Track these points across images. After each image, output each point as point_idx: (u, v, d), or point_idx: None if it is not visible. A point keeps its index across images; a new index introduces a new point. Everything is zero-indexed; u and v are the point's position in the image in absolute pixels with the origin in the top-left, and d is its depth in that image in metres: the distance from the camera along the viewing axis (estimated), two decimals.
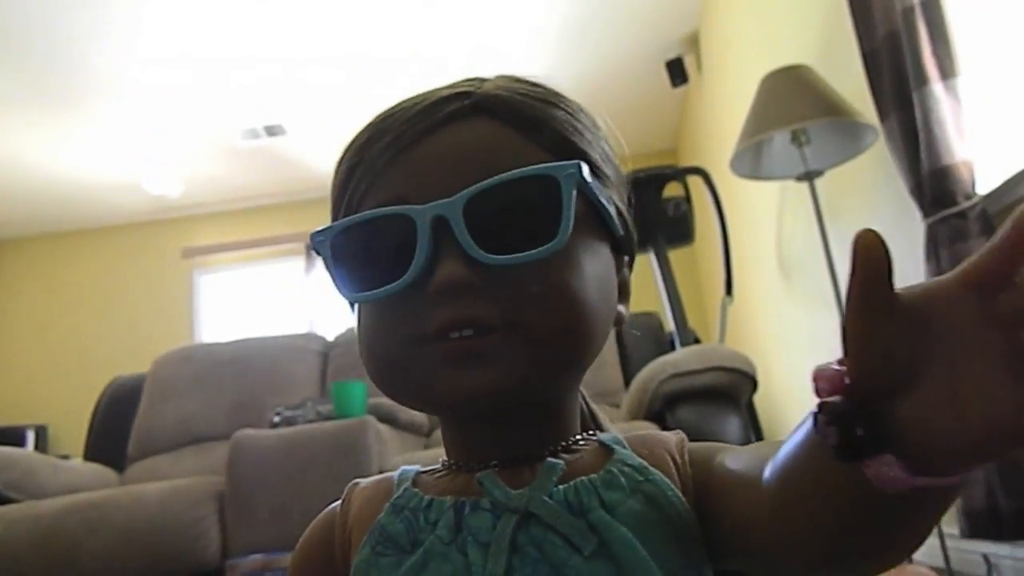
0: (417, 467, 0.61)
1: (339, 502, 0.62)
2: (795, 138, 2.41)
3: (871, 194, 2.42)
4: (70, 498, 2.41)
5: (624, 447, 0.56)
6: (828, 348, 2.74)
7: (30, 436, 5.43)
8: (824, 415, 0.36)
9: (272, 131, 5.29)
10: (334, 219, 0.61)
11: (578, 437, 0.58)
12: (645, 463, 0.54)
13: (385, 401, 2.90)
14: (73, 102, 4.69)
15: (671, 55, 4.67)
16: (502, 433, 0.56)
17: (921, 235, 1.84)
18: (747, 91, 2.60)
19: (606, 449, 0.56)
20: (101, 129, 5.01)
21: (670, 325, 3.38)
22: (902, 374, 0.34)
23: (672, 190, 3.55)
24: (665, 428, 2.26)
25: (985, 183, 1.77)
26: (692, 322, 3.50)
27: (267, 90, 4.83)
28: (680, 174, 3.66)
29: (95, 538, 2.25)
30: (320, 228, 0.57)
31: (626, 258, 0.64)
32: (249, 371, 3.39)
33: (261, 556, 2.18)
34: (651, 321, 3.23)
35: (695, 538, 0.51)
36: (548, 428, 0.58)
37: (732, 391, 2.33)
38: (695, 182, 3.60)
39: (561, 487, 0.52)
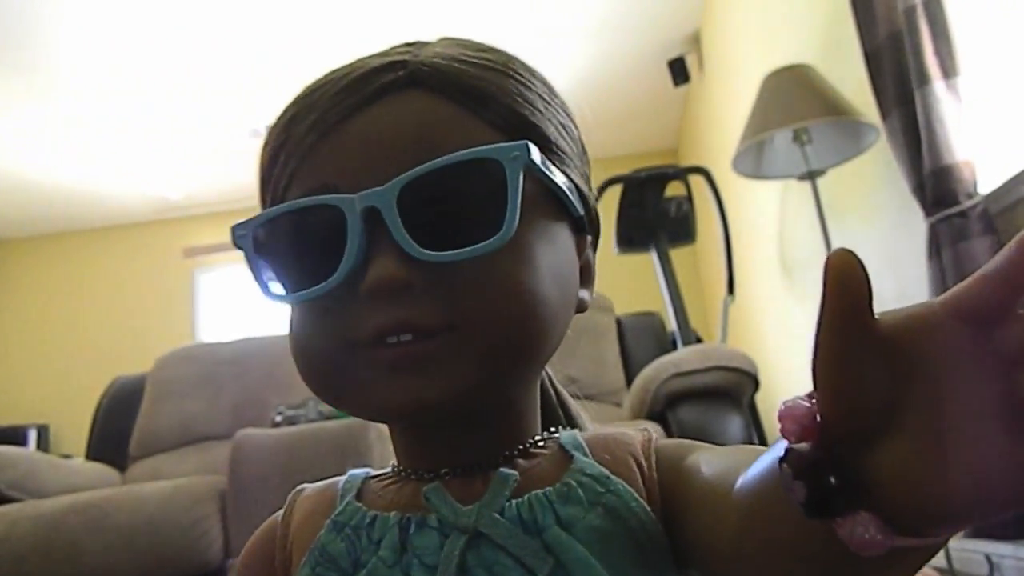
0: (366, 471, 0.56)
1: (281, 512, 0.57)
2: (797, 137, 2.41)
3: (873, 193, 2.42)
4: (72, 497, 2.41)
5: (584, 453, 0.51)
6: None
7: (32, 435, 5.44)
8: (790, 466, 0.30)
9: None
10: (263, 207, 0.55)
11: (537, 438, 0.53)
12: (606, 471, 0.49)
13: None
14: (73, 102, 4.69)
15: (673, 54, 4.66)
16: (453, 439, 0.51)
17: (923, 234, 1.84)
18: (749, 90, 2.60)
19: (564, 454, 0.51)
20: (102, 129, 5.01)
21: (672, 324, 3.38)
22: (880, 416, 0.29)
23: (674, 189, 3.55)
24: (667, 428, 2.28)
25: (987, 182, 1.77)
26: (694, 322, 3.50)
27: (269, 89, 4.83)
28: (682, 173, 3.65)
29: (97, 537, 2.25)
30: (240, 221, 0.51)
31: (589, 238, 0.57)
32: (250, 370, 3.39)
33: None
34: (653, 321, 3.23)
35: (661, 550, 0.47)
36: (503, 431, 0.52)
37: (734, 391, 2.32)
38: (697, 181, 3.60)
39: (514, 502, 0.47)
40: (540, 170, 0.48)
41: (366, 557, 0.48)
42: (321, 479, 0.59)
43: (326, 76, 0.53)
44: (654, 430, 0.55)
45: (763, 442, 2.43)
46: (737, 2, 3.82)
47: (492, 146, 0.47)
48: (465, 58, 0.52)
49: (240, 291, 6.33)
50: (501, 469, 0.49)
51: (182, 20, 4.09)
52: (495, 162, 0.46)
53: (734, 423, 2.27)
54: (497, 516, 0.47)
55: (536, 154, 0.47)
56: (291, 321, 0.53)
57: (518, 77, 0.53)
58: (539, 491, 0.48)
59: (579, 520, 0.46)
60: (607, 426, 0.57)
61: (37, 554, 2.24)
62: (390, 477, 0.55)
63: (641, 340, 3.09)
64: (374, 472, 0.56)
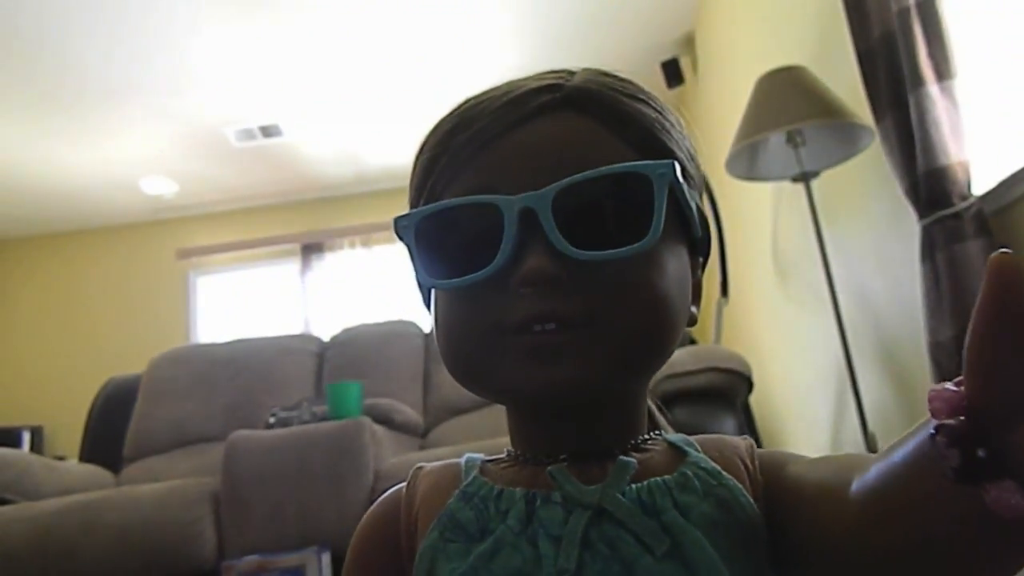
0: (482, 456, 0.60)
1: (403, 485, 0.61)
2: (791, 139, 2.42)
3: (866, 195, 2.42)
4: (66, 499, 2.40)
5: (696, 450, 0.56)
6: (823, 348, 2.75)
7: (26, 437, 5.43)
8: (944, 437, 0.35)
9: (268, 132, 5.29)
10: (413, 206, 0.60)
11: (646, 437, 0.58)
12: (718, 467, 0.54)
13: (380, 402, 2.90)
14: (68, 102, 4.68)
15: (666, 56, 4.67)
16: (574, 428, 0.56)
17: (916, 236, 1.85)
18: (743, 92, 2.60)
19: (677, 451, 0.56)
20: (97, 129, 5.00)
21: None
22: (1021, 401, 0.33)
23: None
24: None
25: (980, 184, 1.78)
26: None
27: (263, 91, 4.83)
28: None
29: (91, 539, 2.25)
30: (404, 213, 0.57)
31: (700, 259, 0.63)
32: (245, 372, 3.39)
33: (257, 557, 2.18)
34: None
35: (762, 545, 0.51)
36: (619, 425, 0.57)
37: (727, 392, 2.33)
38: None
39: (634, 486, 0.52)
40: (680, 188, 0.54)
41: (493, 525, 0.52)
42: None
43: (484, 94, 0.58)
44: None
45: (756, 442, 2.43)
46: (731, 4, 3.83)
47: (644, 162, 0.53)
48: (612, 86, 0.58)
49: (235, 292, 6.33)
50: (621, 456, 0.54)
51: (182, 21, 4.08)
52: (644, 176, 0.52)
53: (728, 424, 2.27)
54: (619, 496, 0.51)
55: (680, 173, 0.53)
56: (438, 308, 0.57)
57: (656, 107, 0.59)
58: (658, 478, 0.52)
59: (694, 507, 0.51)
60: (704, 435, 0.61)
61: (31, 556, 2.23)
62: (507, 461, 0.58)
63: None
64: (488, 456, 0.60)
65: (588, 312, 0.51)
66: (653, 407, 0.64)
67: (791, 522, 0.50)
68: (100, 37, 4.14)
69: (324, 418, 2.67)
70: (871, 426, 2.28)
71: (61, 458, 3.99)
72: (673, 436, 0.58)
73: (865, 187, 2.42)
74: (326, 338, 3.66)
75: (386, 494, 0.61)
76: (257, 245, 6.23)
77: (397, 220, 0.56)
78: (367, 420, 2.49)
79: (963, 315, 1.70)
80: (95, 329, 6.09)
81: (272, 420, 2.75)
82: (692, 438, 0.58)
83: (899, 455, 0.41)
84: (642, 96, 0.59)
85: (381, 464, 2.35)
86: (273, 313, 6.11)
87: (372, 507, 0.61)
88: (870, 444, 2.24)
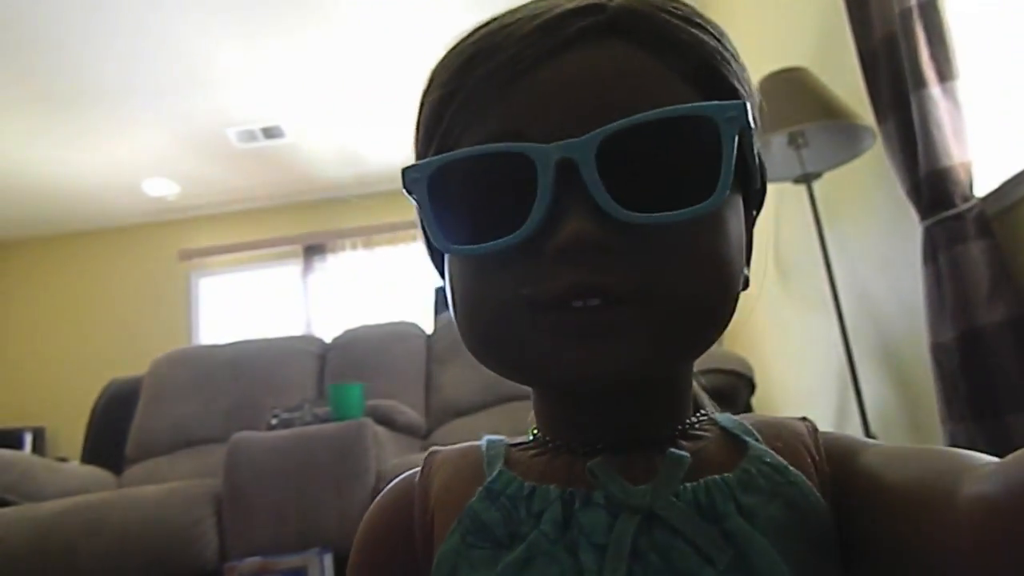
0: (505, 439, 0.52)
1: (415, 472, 0.53)
2: (792, 140, 2.41)
3: (868, 196, 2.42)
4: (68, 501, 2.40)
5: (757, 439, 0.48)
6: (825, 349, 2.75)
7: (27, 439, 5.42)
8: None
9: (270, 133, 5.29)
10: (419, 158, 0.50)
11: (694, 420, 0.50)
12: (784, 461, 0.46)
13: (382, 403, 2.90)
14: (70, 104, 4.68)
15: None
16: (616, 414, 0.48)
17: (918, 237, 1.84)
18: None
19: (733, 440, 0.48)
20: (98, 131, 5.01)
21: None
22: None
23: None
24: None
25: (982, 185, 1.77)
26: None
27: (265, 92, 4.83)
28: None
29: (93, 541, 2.25)
30: (414, 163, 0.47)
31: (754, 212, 0.54)
32: (246, 373, 3.39)
33: (259, 558, 2.18)
34: None
35: (834, 547, 0.44)
36: (665, 408, 0.49)
37: (729, 393, 2.32)
38: None
39: (689, 485, 0.44)
40: (750, 135, 0.46)
41: (525, 529, 0.45)
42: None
43: (509, 15, 0.48)
44: None
45: None
46: (732, 5, 3.83)
47: (710, 103, 0.44)
48: (664, 7, 0.48)
49: (236, 294, 6.33)
50: (671, 450, 0.46)
51: (184, 23, 4.08)
52: (709, 121, 0.43)
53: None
54: (673, 499, 0.44)
55: (751, 116, 0.45)
56: (456, 277, 0.48)
57: (714, 32, 0.49)
58: (718, 477, 0.45)
59: (760, 511, 0.43)
60: (759, 414, 0.54)
61: (33, 558, 2.23)
62: (535, 447, 0.51)
63: None
64: (510, 440, 0.52)
65: (639, 285, 0.43)
66: (695, 383, 0.56)
67: (866, 522, 0.43)
68: (102, 39, 4.14)
69: (326, 419, 2.67)
70: (873, 427, 2.28)
71: (63, 459, 3.99)
72: (724, 419, 0.51)
73: (867, 188, 2.42)
74: (328, 339, 3.66)
75: (395, 482, 0.54)
76: (259, 246, 6.23)
77: (405, 171, 0.47)
78: (369, 421, 2.49)
79: (965, 316, 1.70)
80: (97, 330, 6.09)
81: (274, 421, 2.75)
82: (748, 421, 0.51)
83: None
84: (699, 20, 0.49)
85: (383, 465, 2.35)
86: (275, 314, 6.11)
87: (380, 497, 0.54)
88: None
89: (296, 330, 5.72)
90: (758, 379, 2.39)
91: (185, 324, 6.19)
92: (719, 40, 0.49)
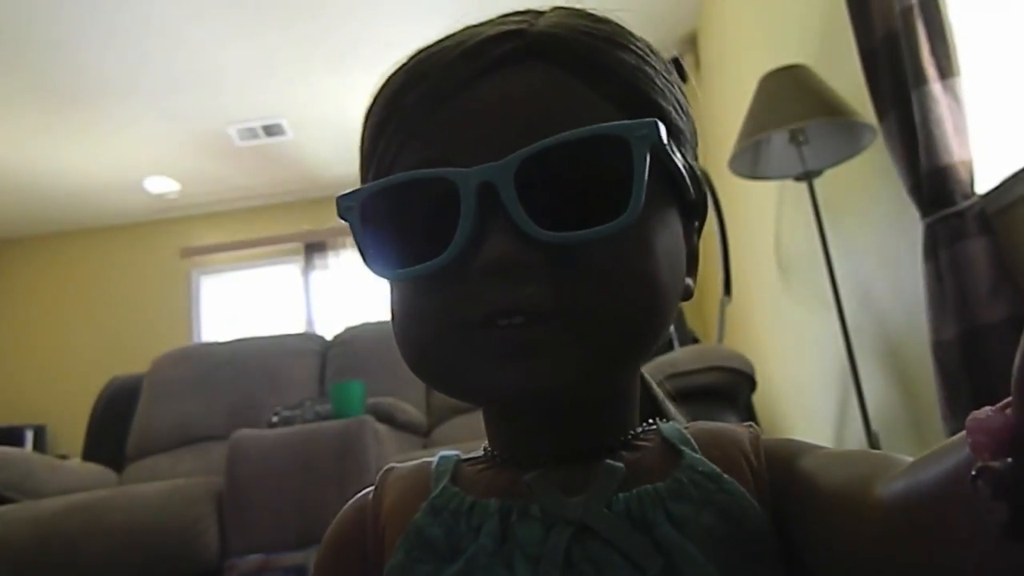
0: (457, 453, 0.54)
1: (371, 490, 0.55)
2: (793, 138, 2.41)
3: (869, 194, 2.42)
4: (69, 498, 2.41)
5: (693, 448, 0.49)
6: (826, 347, 2.75)
7: (29, 436, 5.43)
8: (988, 485, 0.28)
9: (271, 131, 5.28)
10: (364, 182, 0.53)
11: (638, 430, 0.51)
12: (718, 469, 0.47)
13: (383, 401, 2.90)
14: (71, 102, 4.68)
15: (669, 55, 4.65)
16: (554, 426, 0.49)
17: (919, 235, 1.84)
18: (746, 91, 2.60)
19: (670, 448, 0.49)
20: (100, 129, 5.00)
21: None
22: None
23: None
24: None
25: (984, 183, 1.77)
26: (691, 322, 3.50)
27: (266, 90, 4.83)
28: None
29: (94, 538, 2.25)
30: (348, 191, 0.49)
31: (696, 223, 0.55)
32: (247, 371, 3.39)
33: (259, 556, 2.18)
34: None
35: (772, 553, 0.45)
36: (606, 420, 0.50)
37: (731, 391, 2.33)
38: None
39: (622, 496, 0.45)
40: (665, 151, 0.47)
41: (465, 543, 0.46)
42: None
43: (435, 44, 0.51)
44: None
45: None
46: (734, 3, 3.83)
47: (620, 123, 0.45)
48: (586, 29, 0.50)
49: (238, 291, 6.34)
50: (607, 461, 0.47)
51: (185, 20, 4.08)
52: (621, 140, 0.44)
53: (731, 423, 2.27)
54: (605, 510, 0.45)
55: (663, 134, 0.46)
56: (394, 300, 0.51)
57: (638, 50, 0.51)
58: (649, 486, 0.46)
59: (691, 519, 0.44)
60: (705, 422, 0.55)
61: (34, 555, 2.24)
62: (483, 462, 0.52)
63: None
64: (464, 455, 0.54)
65: (561, 302, 0.44)
66: (659, 392, 0.58)
67: (802, 524, 0.45)
68: (103, 36, 4.14)
69: (327, 417, 2.68)
70: (874, 425, 2.28)
71: (64, 457, 3.99)
72: (667, 429, 0.51)
73: (868, 186, 2.42)
74: (329, 337, 3.67)
75: (353, 500, 0.56)
76: (260, 244, 6.23)
77: (339, 200, 0.49)
78: (370, 419, 2.49)
79: (966, 314, 1.70)
80: (98, 328, 6.09)
81: (275, 419, 2.76)
82: (690, 430, 0.51)
83: (932, 475, 0.36)
84: (621, 40, 0.51)
85: (384, 463, 2.34)
86: (276, 312, 6.10)
87: (339, 515, 0.56)
88: (873, 443, 2.24)
89: (297, 328, 5.72)
90: (759, 377, 2.38)
91: (186, 322, 6.19)
92: (643, 59, 0.51)
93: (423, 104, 0.48)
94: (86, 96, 4.65)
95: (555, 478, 0.47)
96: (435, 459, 0.54)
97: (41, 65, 4.32)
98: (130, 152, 5.35)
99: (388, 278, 0.50)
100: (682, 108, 0.53)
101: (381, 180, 0.48)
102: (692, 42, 4.61)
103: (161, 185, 5.86)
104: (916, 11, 1.78)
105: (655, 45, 0.55)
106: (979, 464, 0.29)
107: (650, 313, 0.47)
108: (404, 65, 0.51)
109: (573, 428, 0.49)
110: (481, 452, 0.54)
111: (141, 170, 5.63)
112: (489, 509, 0.47)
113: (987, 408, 0.30)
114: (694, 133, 0.55)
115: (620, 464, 0.47)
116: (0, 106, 4.65)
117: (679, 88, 0.54)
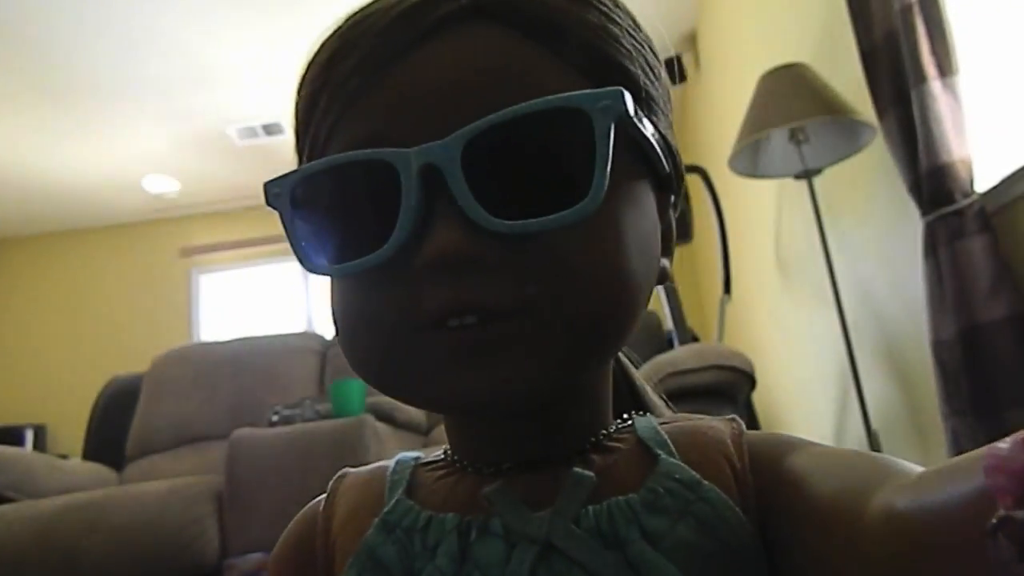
0: (416, 456, 0.49)
1: (322, 499, 0.50)
2: (793, 136, 2.41)
3: (869, 192, 2.42)
4: (68, 498, 2.41)
5: (670, 451, 0.44)
6: (826, 345, 2.75)
7: (28, 435, 5.44)
8: (1010, 539, 0.25)
9: (270, 130, 5.28)
10: (300, 162, 0.47)
11: (611, 429, 0.47)
12: (696, 475, 0.42)
13: (383, 400, 2.90)
14: (71, 101, 4.68)
15: (669, 53, 4.64)
16: (518, 430, 0.45)
17: (919, 233, 1.84)
18: (745, 89, 2.60)
19: (646, 451, 0.44)
20: (99, 128, 5.01)
21: (668, 323, 3.38)
22: None
23: None
24: None
25: (983, 181, 1.77)
26: (690, 321, 3.50)
27: (266, 89, 4.83)
28: None
29: (94, 538, 2.25)
30: (274, 177, 0.43)
31: (671, 197, 0.49)
32: (247, 370, 3.39)
33: (259, 555, 2.18)
34: (649, 319, 3.23)
35: (756, 565, 0.40)
36: (575, 421, 0.45)
37: (730, 390, 2.32)
38: (693, 180, 3.60)
39: (591, 509, 0.41)
40: (632, 123, 0.41)
41: (419, 564, 0.41)
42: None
43: (371, 6, 0.44)
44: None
45: None
46: (734, 1, 3.83)
47: (578, 93, 0.39)
48: None
49: (237, 291, 6.34)
50: (575, 469, 0.42)
51: (184, 19, 4.08)
52: (581, 112, 0.38)
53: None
54: (572, 527, 0.40)
55: (630, 104, 0.40)
56: (334, 297, 0.44)
57: (601, 7, 0.44)
58: (621, 498, 0.41)
59: (667, 533, 0.40)
60: (685, 416, 0.50)
61: (34, 555, 2.24)
62: (443, 467, 0.48)
63: (637, 339, 3.07)
64: (424, 458, 0.49)
65: (518, 298, 0.38)
66: (637, 378, 0.54)
67: (788, 533, 0.40)
68: (103, 35, 4.14)
69: (327, 416, 2.68)
70: (874, 424, 2.28)
71: (64, 456, 3.99)
72: (643, 427, 0.46)
73: (868, 184, 2.42)
74: (329, 336, 3.66)
75: (304, 510, 0.51)
76: (260, 243, 6.23)
77: (267, 186, 0.43)
78: (370, 418, 2.49)
79: (966, 312, 1.70)
80: (98, 328, 6.09)
81: (275, 418, 2.76)
82: (668, 428, 0.46)
83: (941, 501, 0.31)
84: None
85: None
86: (276, 311, 6.11)
87: (286, 530, 0.51)
88: (873, 441, 2.24)
89: (297, 327, 5.72)
90: (758, 375, 2.38)
91: (186, 321, 6.20)
92: (606, 15, 0.44)
93: (356, 76, 0.42)
94: (86, 95, 4.65)
95: (519, 488, 0.42)
96: (391, 464, 0.49)
97: (40, 65, 4.32)
98: (130, 151, 5.35)
99: (325, 275, 0.43)
100: (653, 71, 0.47)
101: (310, 164, 0.43)
102: (692, 41, 4.61)
103: (161, 184, 5.86)
104: (916, 9, 1.78)
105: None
106: (1001, 513, 0.25)
107: (620, 305, 0.42)
108: (336, 30, 0.46)
109: (537, 431, 0.45)
110: (441, 454, 0.49)
111: (141, 169, 5.64)
112: (446, 526, 0.42)
113: (1007, 440, 0.26)
114: (667, 99, 0.49)
115: (590, 473, 0.42)
116: None
117: (650, 48, 0.48)
